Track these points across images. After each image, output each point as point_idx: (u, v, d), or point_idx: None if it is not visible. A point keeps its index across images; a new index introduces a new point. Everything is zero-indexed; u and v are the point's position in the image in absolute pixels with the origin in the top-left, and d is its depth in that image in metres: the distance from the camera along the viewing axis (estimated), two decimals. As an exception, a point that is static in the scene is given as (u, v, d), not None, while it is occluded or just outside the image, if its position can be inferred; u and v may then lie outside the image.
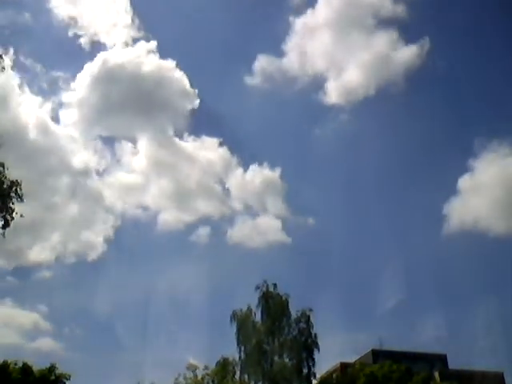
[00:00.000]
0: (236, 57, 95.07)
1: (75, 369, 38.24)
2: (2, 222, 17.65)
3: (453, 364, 54.18)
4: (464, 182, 71.34)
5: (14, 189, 17.38)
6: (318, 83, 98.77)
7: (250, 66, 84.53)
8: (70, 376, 36.36)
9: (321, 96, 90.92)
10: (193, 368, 39.23)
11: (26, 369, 35.40)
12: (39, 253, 68.84)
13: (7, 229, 17.75)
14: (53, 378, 35.83)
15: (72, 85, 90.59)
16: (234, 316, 39.34)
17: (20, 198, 17.58)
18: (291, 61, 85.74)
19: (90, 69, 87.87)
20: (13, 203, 17.51)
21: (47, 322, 66.35)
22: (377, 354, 52.20)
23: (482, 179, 71.23)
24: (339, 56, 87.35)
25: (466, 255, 66.87)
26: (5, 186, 17.36)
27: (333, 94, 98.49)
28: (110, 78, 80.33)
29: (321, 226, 74.67)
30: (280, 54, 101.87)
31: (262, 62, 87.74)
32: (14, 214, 17.61)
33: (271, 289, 39.68)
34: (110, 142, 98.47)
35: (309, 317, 39.62)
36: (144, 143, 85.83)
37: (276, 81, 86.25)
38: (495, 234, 73.52)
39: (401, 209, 79.39)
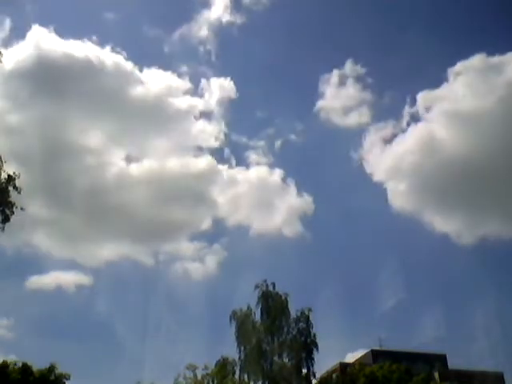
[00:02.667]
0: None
1: (74, 369, 38.40)
2: (2, 217, 17.69)
3: (453, 364, 54.14)
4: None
5: (11, 183, 17.42)
6: None
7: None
8: (69, 376, 36.42)
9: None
10: (192, 368, 39.43)
11: (25, 369, 35.40)
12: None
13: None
14: (52, 378, 35.85)
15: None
16: (233, 315, 39.22)
17: (18, 191, 17.63)
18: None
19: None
20: (9, 196, 17.51)
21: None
22: (376, 354, 52.12)
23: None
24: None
25: (466, 255, 66.92)
26: (2, 180, 17.39)
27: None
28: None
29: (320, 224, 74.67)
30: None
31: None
32: (13, 208, 17.67)
33: (270, 288, 39.66)
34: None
35: (308, 316, 39.50)
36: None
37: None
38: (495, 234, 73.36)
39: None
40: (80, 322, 63.72)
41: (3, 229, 17.81)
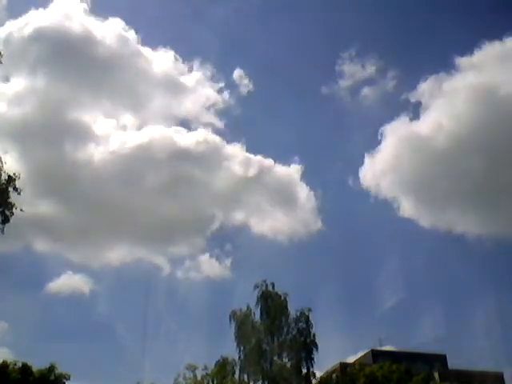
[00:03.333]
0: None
1: (75, 369, 38.42)
2: (2, 218, 17.65)
3: (452, 364, 54.16)
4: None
5: (11, 183, 17.38)
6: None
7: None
8: (69, 376, 36.40)
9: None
10: (192, 368, 39.44)
11: (25, 369, 35.37)
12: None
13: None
14: (52, 378, 35.82)
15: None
16: (233, 316, 39.22)
17: (18, 192, 17.60)
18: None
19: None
20: (9, 197, 17.46)
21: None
22: (376, 354, 52.14)
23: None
24: None
25: (466, 255, 66.99)
26: (2, 181, 17.36)
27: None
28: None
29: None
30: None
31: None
32: (13, 209, 17.62)
33: (270, 288, 39.64)
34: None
35: (308, 316, 39.51)
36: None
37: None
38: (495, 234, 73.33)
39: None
40: (83, 324, 63.73)
41: (3, 230, 17.82)
